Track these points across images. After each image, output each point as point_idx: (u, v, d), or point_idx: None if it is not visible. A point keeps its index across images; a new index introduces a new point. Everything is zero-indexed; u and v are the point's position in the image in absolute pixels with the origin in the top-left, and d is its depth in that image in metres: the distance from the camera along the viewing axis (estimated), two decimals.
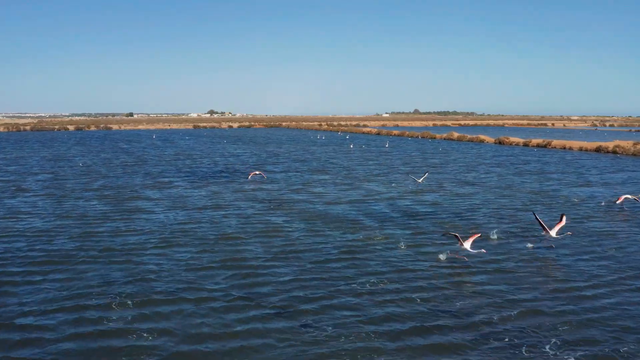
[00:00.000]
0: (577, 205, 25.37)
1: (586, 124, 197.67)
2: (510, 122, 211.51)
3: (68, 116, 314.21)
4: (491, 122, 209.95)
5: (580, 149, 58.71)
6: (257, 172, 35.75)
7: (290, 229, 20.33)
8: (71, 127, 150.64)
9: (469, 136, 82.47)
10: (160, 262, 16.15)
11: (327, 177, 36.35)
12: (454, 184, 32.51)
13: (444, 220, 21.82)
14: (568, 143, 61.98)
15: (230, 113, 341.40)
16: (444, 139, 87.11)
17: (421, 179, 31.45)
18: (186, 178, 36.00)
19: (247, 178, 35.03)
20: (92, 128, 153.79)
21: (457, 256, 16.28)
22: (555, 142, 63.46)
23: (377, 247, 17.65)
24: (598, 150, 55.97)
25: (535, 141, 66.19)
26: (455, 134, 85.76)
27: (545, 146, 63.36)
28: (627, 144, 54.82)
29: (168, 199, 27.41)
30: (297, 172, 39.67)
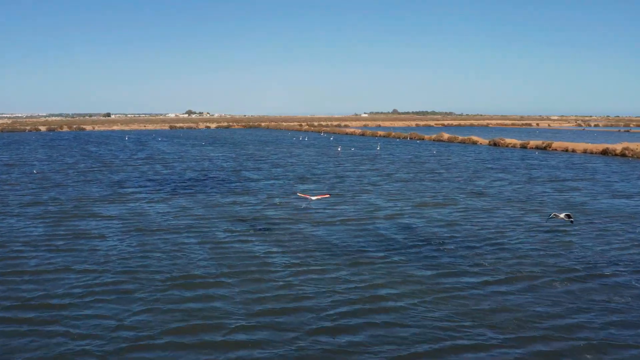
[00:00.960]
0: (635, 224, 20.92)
1: (569, 124, 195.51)
2: (494, 122, 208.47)
3: (45, 116, 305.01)
4: (473, 122, 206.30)
5: (585, 152, 54.65)
6: (318, 197, 23.34)
7: (275, 265, 15.47)
8: (43, 128, 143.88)
9: (460, 137, 78.25)
10: (89, 327, 11.18)
11: (315, 186, 31.53)
12: (464, 195, 27.89)
13: (473, 249, 17.13)
14: (570, 145, 57.92)
15: (208, 113, 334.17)
16: (434, 140, 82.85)
17: (562, 215, 20.18)
18: (152, 188, 30.92)
19: (308, 201, 23.81)
20: (65, 129, 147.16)
21: None
22: (556, 144, 59.40)
23: (397, 297, 12.87)
24: (605, 152, 51.94)
25: (533, 143, 62.10)
26: (446, 135, 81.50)
27: (545, 148, 59.26)
28: (636, 146, 50.85)
29: (124, 217, 22.36)
30: (280, 179, 34.82)
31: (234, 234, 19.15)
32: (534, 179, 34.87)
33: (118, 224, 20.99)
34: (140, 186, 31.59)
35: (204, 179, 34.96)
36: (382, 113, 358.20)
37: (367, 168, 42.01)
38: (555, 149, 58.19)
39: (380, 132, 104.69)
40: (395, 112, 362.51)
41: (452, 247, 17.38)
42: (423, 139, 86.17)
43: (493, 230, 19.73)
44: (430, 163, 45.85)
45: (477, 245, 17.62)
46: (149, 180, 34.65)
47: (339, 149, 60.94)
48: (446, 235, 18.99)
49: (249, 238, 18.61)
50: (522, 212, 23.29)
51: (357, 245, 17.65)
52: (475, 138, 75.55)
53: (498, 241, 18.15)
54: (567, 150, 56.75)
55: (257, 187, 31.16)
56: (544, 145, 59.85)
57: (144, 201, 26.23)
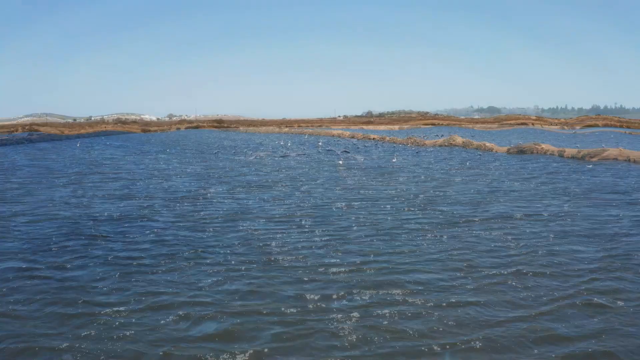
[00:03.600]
0: None
1: (552, 126, 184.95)
2: (479, 124, 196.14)
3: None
4: (462, 122, 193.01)
5: None
6: None
7: None
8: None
9: (476, 143, 65.25)
10: None
11: (315, 241, 17.97)
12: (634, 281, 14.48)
13: None
14: (632, 154, 45.06)
15: (186, 115, 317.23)
16: (439, 146, 69.98)
17: None
18: (26, 244, 17.12)
19: None
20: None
21: None
22: (609, 152, 46.54)
23: None
24: None
25: (584, 151, 49.07)
26: (459, 139, 68.12)
27: (593, 157, 46.41)
28: None
29: None
30: (260, 220, 21.09)
31: None
32: None
33: None
34: (12, 238, 17.75)
35: (125, 222, 20.96)
36: (357, 116, 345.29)
37: (395, 193, 28.23)
38: (615, 159, 45.44)
39: (374, 136, 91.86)
40: (369, 113, 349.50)
41: None
42: (425, 145, 73.41)
43: None
44: (474, 184, 32.24)
45: None
46: (41, 221, 20.72)
47: (340, 162, 47.02)
48: None
49: None
50: None
51: None
52: (489, 145, 62.70)
53: None
54: (628, 161, 44.11)
55: (208, 249, 17.39)
56: (593, 154, 46.89)
57: None
